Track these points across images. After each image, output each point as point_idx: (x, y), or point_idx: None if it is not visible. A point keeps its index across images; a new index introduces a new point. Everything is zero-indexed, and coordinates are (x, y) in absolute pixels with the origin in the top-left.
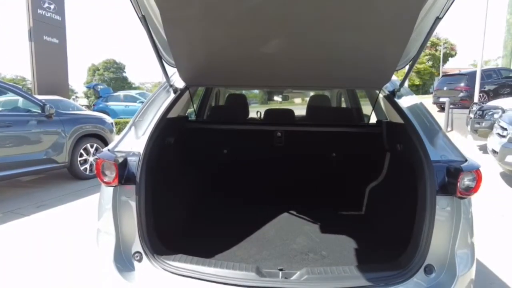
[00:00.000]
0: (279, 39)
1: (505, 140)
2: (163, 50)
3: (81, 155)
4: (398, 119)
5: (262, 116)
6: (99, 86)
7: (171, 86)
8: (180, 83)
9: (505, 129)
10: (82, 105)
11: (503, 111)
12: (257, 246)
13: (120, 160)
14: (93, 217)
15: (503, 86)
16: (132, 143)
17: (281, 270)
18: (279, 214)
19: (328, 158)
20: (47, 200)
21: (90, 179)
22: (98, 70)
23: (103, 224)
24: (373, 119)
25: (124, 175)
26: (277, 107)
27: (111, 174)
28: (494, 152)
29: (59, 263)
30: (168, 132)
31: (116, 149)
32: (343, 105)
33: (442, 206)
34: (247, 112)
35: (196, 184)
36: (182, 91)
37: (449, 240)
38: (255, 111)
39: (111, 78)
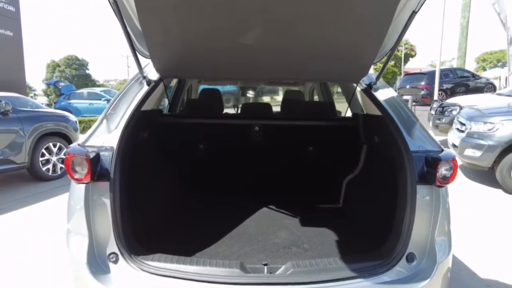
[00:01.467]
0: (257, 30)
1: (463, 134)
2: (136, 39)
3: (43, 155)
4: (375, 111)
5: (239, 110)
6: (60, 83)
7: (144, 77)
8: (153, 75)
9: (464, 125)
10: (42, 104)
11: (461, 107)
12: (239, 242)
13: (92, 155)
14: (58, 220)
15: (459, 85)
16: (104, 137)
17: (265, 265)
18: (259, 209)
19: (305, 152)
20: (4, 203)
21: (53, 180)
22: (59, 66)
23: (74, 225)
24: (348, 114)
25: (96, 171)
26: (254, 101)
27: (82, 170)
28: (454, 146)
29: (20, 272)
30: (142, 126)
31: (87, 144)
32: (316, 100)
33: (422, 195)
34: (222, 107)
35: (173, 181)
36: (156, 83)
37: (429, 228)
38: (230, 108)
39: (73, 75)
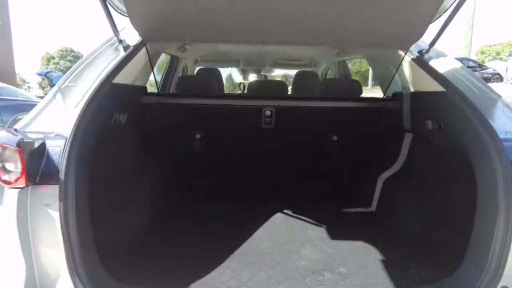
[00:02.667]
0: None
1: None
2: None
3: None
4: (432, 87)
5: (246, 89)
6: (52, 74)
7: (120, 41)
8: (133, 39)
9: None
10: (38, 96)
11: None
12: (250, 266)
13: (31, 145)
14: None
15: None
16: (56, 119)
17: None
18: (271, 215)
19: (329, 142)
20: None
21: None
22: (53, 58)
23: (1, 252)
24: (373, 94)
25: (39, 169)
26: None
27: (15, 169)
28: None
29: None
30: (116, 106)
31: (28, 129)
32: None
33: None
34: (223, 90)
35: (158, 182)
36: (137, 47)
37: None
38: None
39: (68, 67)
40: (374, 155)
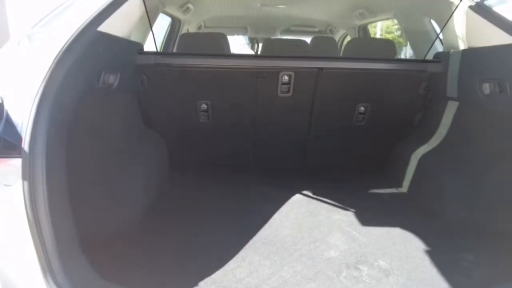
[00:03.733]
0: None
1: None
2: None
3: None
4: (497, 40)
5: (259, 49)
6: None
7: None
8: None
9: None
10: None
11: None
12: (270, 258)
13: None
14: None
15: None
16: (21, 74)
17: None
18: (291, 197)
19: (357, 113)
20: None
21: None
22: None
23: None
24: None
25: None
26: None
27: None
28: None
29: None
30: (103, 62)
31: None
32: None
33: None
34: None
35: (160, 159)
36: None
37: None
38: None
39: None
40: (408, 128)
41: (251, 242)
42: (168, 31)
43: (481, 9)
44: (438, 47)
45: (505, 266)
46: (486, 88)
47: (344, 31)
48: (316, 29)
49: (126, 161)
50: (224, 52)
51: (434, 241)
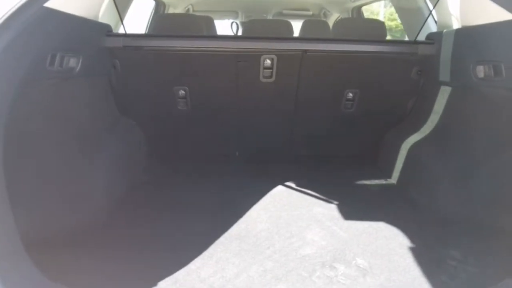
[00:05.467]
0: None
1: None
2: None
3: None
4: (493, 17)
5: (240, 30)
6: None
7: None
8: None
9: None
10: None
11: None
12: (240, 255)
13: None
14: None
15: None
16: None
17: None
18: (271, 189)
19: (343, 99)
20: None
21: None
22: None
23: None
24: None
25: None
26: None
27: None
28: None
29: None
30: (55, 43)
31: None
32: None
33: None
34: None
35: (130, 149)
36: None
37: None
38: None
39: None
40: (400, 115)
41: (222, 238)
42: (152, 14)
43: None
44: (432, 28)
45: (494, 267)
46: (481, 71)
47: (338, 15)
48: (310, 13)
49: (93, 150)
50: (204, 33)
51: (421, 237)
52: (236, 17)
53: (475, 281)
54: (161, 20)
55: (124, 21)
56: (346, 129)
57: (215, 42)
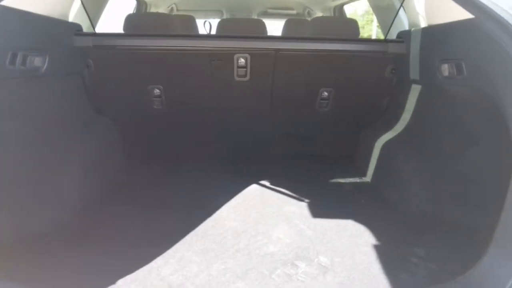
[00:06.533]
0: None
1: None
2: None
3: None
4: (455, 16)
5: (214, 30)
6: None
7: None
8: None
9: None
10: None
11: None
12: (202, 254)
13: None
14: None
15: None
16: None
17: None
18: (244, 188)
19: (317, 98)
20: None
21: None
22: None
23: None
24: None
25: None
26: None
27: None
28: None
29: None
30: (14, 43)
31: None
32: None
33: None
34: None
35: (105, 149)
36: None
37: None
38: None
39: None
40: (376, 114)
41: (187, 237)
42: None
43: None
44: (406, 27)
45: (454, 263)
46: (445, 69)
47: (321, 14)
48: (294, 12)
49: (65, 150)
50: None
51: (387, 235)
52: (221, 16)
53: (433, 277)
54: (134, 20)
55: (105, 21)
56: (322, 128)
57: (187, 41)
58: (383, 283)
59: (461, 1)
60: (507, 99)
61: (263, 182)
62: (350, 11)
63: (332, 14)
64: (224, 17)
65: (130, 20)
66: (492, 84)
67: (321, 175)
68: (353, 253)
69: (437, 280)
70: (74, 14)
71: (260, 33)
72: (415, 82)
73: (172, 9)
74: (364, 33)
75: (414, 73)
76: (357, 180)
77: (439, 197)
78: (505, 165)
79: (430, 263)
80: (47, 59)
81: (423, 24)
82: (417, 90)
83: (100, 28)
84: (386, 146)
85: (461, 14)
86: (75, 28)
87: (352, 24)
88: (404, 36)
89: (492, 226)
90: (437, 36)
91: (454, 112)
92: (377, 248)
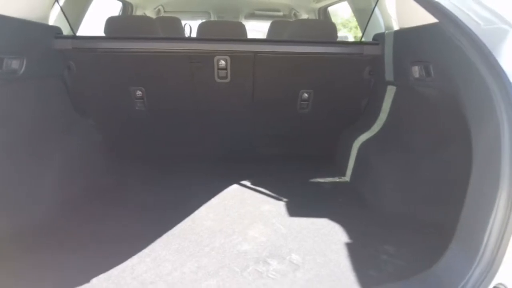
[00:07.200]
0: None
1: None
2: None
3: None
4: (422, 20)
5: (195, 33)
6: None
7: None
8: None
9: None
10: None
11: None
12: (178, 253)
13: None
14: None
15: None
16: None
17: None
18: (225, 188)
19: (297, 99)
20: None
21: None
22: None
23: None
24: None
25: None
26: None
27: None
28: None
29: None
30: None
31: None
32: None
33: None
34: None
35: (87, 150)
36: None
37: None
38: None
39: None
40: (356, 115)
41: (164, 237)
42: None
43: None
44: (384, 29)
45: (421, 260)
46: (416, 71)
47: (307, 15)
48: (281, 13)
49: (45, 152)
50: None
51: (360, 234)
52: (208, 18)
53: (400, 274)
54: (114, 22)
55: (91, 24)
56: (303, 128)
57: (167, 44)
58: (351, 279)
59: (426, 5)
60: (467, 101)
61: (243, 182)
62: (348, 12)
63: (317, 16)
64: (212, 18)
65: (110, 23)
66: (455, 86)
67: (301, 175)
68: (325, 251)
69: (403, 276)
70: (56, 17)
71: (240, 36)
72: (390, 83)
73: (159, 11)
74: (357, 33)
75: (389, 74)
76: (336, 179)
77: (411, 196)
78: (467, 164)
79: (399, 260)
80: (24, 61)
81: (396, 27)
82: (393, 91)
83: (86, 30)
84: (364, 146)
85: (429, 18)
86: (55, 31)
87: (330, 27)
88: (379, 39)
89: (455, 223)
90: (408, 39)
91: (425, 113)
92: (348, 246)
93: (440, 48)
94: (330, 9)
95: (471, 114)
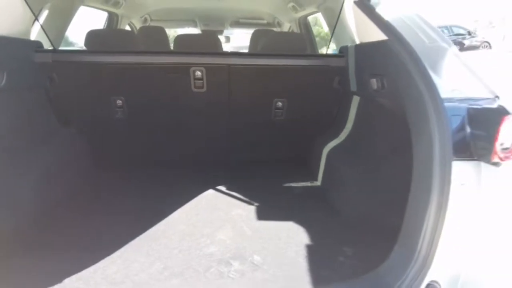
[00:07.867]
0: None
1: None
2: None
3: None
4: (376, 37)
5: (172, 45)
6: None
7: None
8: None
9: None
10: None
11: None
12: (147, 255)
13: None
14: None
15: (454, 43)
16: None
17: None
18: (199, 193)
19: (270, 107)
20: None
21: None
22: None
23: None
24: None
25: None
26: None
27: None
28: None
29: None
30: None
31: None
32: None
33: (462, 179)
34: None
35: (68, 159)
36: None
37: (471, 239)
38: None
39: None
40: (328, 123)
41: (137, 240)
42: (105, 27)
43: (362, 5)
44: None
45: (374, 261)
46: (374, 83)
47: (289, 24)
48: (264, 22)
49: (25, 162)
50: (133, 48)
51: (322, 236)
52: (195, 26)
53: (352, 274)
54: (94, 36)
55: (77, 34)
56: (278, 135)
57: (145, 57)
58: (305, 279)
59: (378, 23)
60: (409, 113)
61: (218, 187)
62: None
63: (298, 26)
64: (198, 27)
65: (91, 36)
66: (401, 99)
67: (275, 180)
68: (285, 253)
69: (354, 276)
70: (37, 32)
71: (214, 48)
72: (355, 93)
73: (145, 19)
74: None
75: (353, 85)
76: (308, 184)
77: (372, 200)
78: (423, 178)
79: (355, 260)
80: (5, 75)
81: (357, 41)
82: (357, 101)
83: (73, 39)
84: (332, 152)
85: (382, 35)
86: (36, 45)
87: (300, 38)
88: (344, 51)
89: (399, 229)
90: (366, 53)
91: (384, 122)
92: (308, 248)
93: (390, 63)
94: (320, 18)
95: (412, 125)
